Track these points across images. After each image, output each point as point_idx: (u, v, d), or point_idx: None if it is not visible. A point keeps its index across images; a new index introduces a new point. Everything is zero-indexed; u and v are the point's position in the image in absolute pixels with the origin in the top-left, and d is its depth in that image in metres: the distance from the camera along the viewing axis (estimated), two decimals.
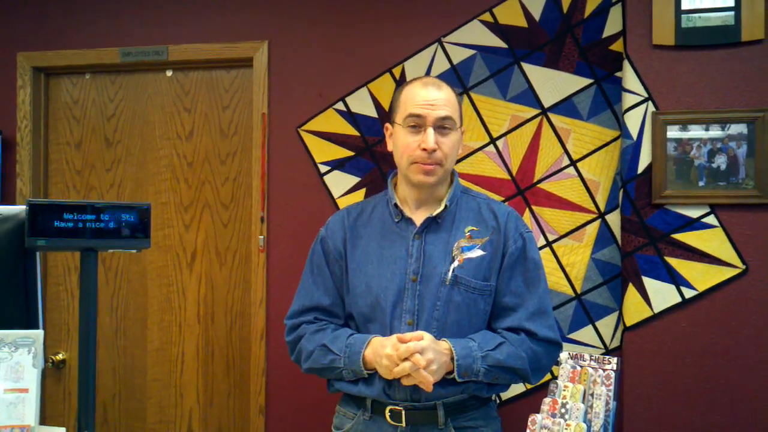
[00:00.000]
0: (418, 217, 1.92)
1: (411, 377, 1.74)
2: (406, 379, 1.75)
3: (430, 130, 1.83)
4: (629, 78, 2.32)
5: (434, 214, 1.89)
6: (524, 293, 1.88)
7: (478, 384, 1.82)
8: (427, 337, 1.75)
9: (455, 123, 1.88)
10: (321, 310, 1.98)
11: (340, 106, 2.70)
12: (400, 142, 1.89)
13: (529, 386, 2.49)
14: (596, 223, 2.49)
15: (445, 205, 1.90)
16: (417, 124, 1.85)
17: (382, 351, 1.76)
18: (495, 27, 2.58)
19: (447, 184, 1.95)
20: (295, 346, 1.97)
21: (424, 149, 1.83)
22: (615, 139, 2.47)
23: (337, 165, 2.71)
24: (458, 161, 2.53)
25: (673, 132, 2.27)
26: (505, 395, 2.51)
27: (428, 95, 1.86)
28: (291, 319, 2.00)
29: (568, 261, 2.50)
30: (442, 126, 1.85)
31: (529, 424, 1.81)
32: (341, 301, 1.98)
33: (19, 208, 1.46)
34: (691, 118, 2.25)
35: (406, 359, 1.72)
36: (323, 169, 2.72)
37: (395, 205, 1.94)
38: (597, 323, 2.48)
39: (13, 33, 3.00)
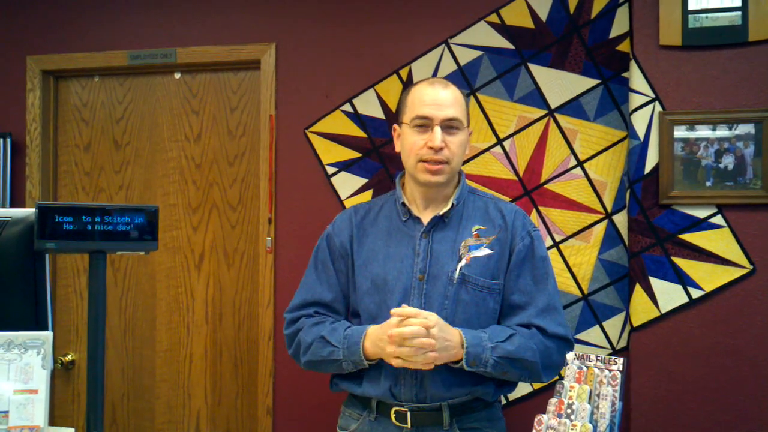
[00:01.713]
0: (426, 217, 1.92)
1: (412, 360, 1.72)
2: (407, 362, 1.72)
3: (437, 129, 1.83)
4: (636, 78, 2.32)
5: (441, 212, 1.89)
6: (533, 291, 1.88)
7: (485, 386, 1.82)
8: (433, 317, 1.74)
9: (462, 123, 1.88)
10: (322, 305, 1.98)
11: (347, 107, 2.71)
12: (407, 141, 1.90)
13: (536, 386, 2.49)
14: (603, 224, 2.49)
15: (452, 204, 1.90)
16: (424, 124, 1.86)
17: (383, 334, 1.75)
18: (501, 28, 2.58)
19: (454, 183, 1.96)
20: (293, 340, 1.97)
21: (431, 147, 1.83)
22: (622, 140, 2.47)
23: (344, 166, 2.71)
24: (465, 162, 2.53)
25: (680, 132, 2.27)
26: (511, 396, 2.51)
27: (435, 95, 1.86)
28: (291, 313, 2.01)
29: (575, 261, 2.50)
30: (449, 126, 1.85)
31: (535, 424, 1.81)
32: (343, 298, 1.99)
33: (28, 211, 1.47)
34: (698, 119, 2.25)
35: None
36: (330, 170, 2.73)
37: (403, 204, 1.94)
38: (604, 323, 2.48)
39: (23, 36, 3.02)
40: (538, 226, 2.47)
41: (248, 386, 2.88)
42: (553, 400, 1.84)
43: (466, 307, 1.85)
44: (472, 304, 1.85)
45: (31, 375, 1.39)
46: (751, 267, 2.20)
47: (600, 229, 2.49)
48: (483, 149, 2.58)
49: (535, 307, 1.86)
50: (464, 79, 2.59)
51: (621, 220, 2.46)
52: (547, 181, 2.54)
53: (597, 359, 1.92)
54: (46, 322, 1.51)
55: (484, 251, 1.87)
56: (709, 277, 2.24)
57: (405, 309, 1.74)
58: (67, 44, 2.99)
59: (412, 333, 1.69)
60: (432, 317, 1.73)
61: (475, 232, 1.89)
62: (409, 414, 1.82)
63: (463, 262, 1.85)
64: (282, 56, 2.79)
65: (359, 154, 2.70)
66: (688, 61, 2.27)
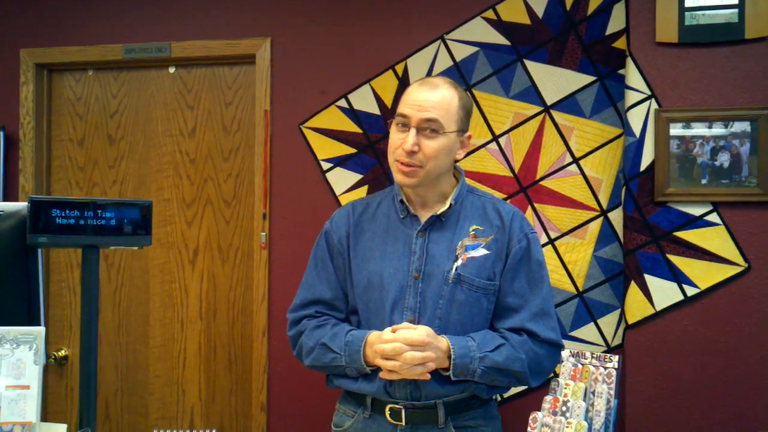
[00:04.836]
0: (423, 215, 1.91)
1: (405, 372, 1.74)
2: (388, 374, 1.76)
3: (413, 131, 1.81)
4: (632, 75, 2.32)
5: (439, 212, 1.88)
6: (527, 294, 1.87)
7: (478, 384, 1.82)
8: (422, 329, 1.75)
9: (442, 126, 1.82)
10: (323, 304, 1.97)
11: (342, 103, 2.70)
12: (390, 139, 1.89)
13: None
14: (598, 221, 2.49)
15: (450, 204, 1.89)
16: (404, 123, 1.84)
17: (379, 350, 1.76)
18: (498, 24, 2.57)
19: (452, 182, 1.94)
20: (296, 342, 1.97)
21: (404, 149, 1.82)
22: (618, 137, 2.47)
23: (339, 162, 2.71)
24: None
25: (676, 129, 2.26)
26: (507, 393, 2.51)
27: (418, 96, 1.83)
28: (293, 313, 2.00)
29: (571, 258, 2.50)
30: (426, 128, 1.82)
31: (530, 422, 1.81)
32: (344, 295, 1.98)
33: (21, 205, 1.47)
34: (694, 116, 2.25)
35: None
36: (325, 166, 2.72)
37: (401, 201, 1.93)
38: (599, 321, 2.48)
39: (16, 29, 3.00)
40: (533, 223, 2.48)
41: (242, 382, 2.87)
42: (549, 398, 1.84)
43: (460, 308, 1.84)
44: (466, 304, 1.84)
45: (23, 370, 1.38)
46: (746, 265, 2.21)
47: (595, 226, 2.49)
48: (478, 146, 2.58)
49: (529, 311, 1.85)
50: (460, 75, 2.59)
51: (616, 217, 2.46)
52: (542, 178, 2.53)
53: (592, 357, 1.92)
54: (39, 317, 1.50)
55: (481, 251, 1.86)
56: (704, 275, 2.24)
57: (397, 329, 1.76)
58: (61, 37, 2.97)
59: (393, 350, 1.72)
60: (421, 329, 1.74)
61: (472, 232, 1.88)
62: (403, 411, 1.81)
63: (459, 262, 1.85)
64: (277, 51, 2.78)
65: (354, 150, 2.69)
66: (685, 58, 2.27)
